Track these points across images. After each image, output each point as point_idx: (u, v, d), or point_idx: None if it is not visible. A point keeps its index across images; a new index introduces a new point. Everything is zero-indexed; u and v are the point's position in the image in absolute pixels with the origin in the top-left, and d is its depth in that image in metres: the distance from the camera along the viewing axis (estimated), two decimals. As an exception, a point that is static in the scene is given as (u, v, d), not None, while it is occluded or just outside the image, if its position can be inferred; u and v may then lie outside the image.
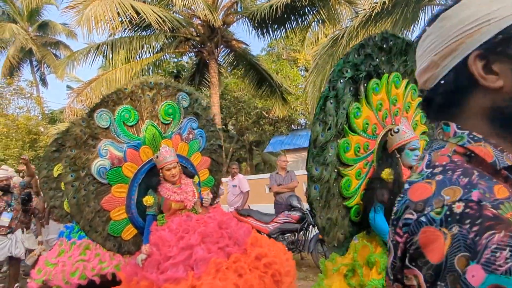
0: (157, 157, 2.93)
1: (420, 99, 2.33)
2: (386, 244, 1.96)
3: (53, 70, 19.89)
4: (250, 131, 16.80)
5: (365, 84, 2.04)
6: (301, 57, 16.76)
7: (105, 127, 2.81)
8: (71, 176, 2.73)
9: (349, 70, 1.93)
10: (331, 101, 1.89)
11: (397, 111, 2.23)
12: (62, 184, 4.35)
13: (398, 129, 2.10)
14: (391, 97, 2.17)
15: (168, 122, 3.19)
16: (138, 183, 3.03)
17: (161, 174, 2.95)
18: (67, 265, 3.76)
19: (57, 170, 4.41)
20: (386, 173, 1.97)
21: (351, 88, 1.98)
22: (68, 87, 19.74)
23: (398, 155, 2.11)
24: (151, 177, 3.02)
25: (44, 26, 21.82)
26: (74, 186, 2.73)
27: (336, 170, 1.96)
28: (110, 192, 2.89)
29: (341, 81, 1.91)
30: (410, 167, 2.14)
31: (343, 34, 6.87)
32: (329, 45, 7.50)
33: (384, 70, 2.12)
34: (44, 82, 22.93)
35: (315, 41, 11.50)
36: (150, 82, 3.09)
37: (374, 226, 1.96)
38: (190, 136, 3.40)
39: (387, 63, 2.14)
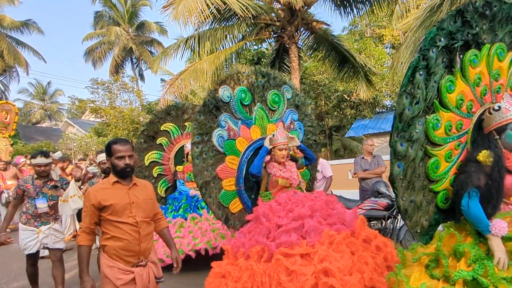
0: (273, 135, 3.13)
1: None
2: (479, 234, 1.75)
3: (149, 65, 22.28)
4: (330, 116, 16.31)
5: (461, 55, 1.81)
6: (387, 33, 15.43)
7: (226, 101, 3.17)
8: (197, 138, 3.07)
9: (443, 39, 1.73)
10: (421, 72, 1.71)
11: (499, 88, 1.92)
12: (153, 171, 4.96)
13: (500, 107, 1.80)
14: (492, 71, 1.88)
15: (274, 109, 3.48)
16: (247, 159, 3.28)
17: (271, 153, 3.14)
18: None
19: (147, 159, 4.95)
20: (483, 155, 1.74)
21: (444, 59, 1.77)
22: (162, 80, 21.94)
23: (497, 137, 1.82)
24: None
25: (141, 26, 24.51)
26: (198, 148, 3.06)
27: (422, 149, 1.79)
28: (225, 161, 3.17)
29: (433, 50, 1.72)
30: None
31: (443, 1, 6.04)
32: (425, 15, 6.70)
33: (486, 40, 1.85)
34: (142, 77, 25.92)
35: (404, 14, 10.42)
36: (263, 71, 3.41)
37: (467, 213, 1.74)
38: (291, 126, 3.64)
39: (490, 32, 1.87)
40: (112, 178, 2.13)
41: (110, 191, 2.08)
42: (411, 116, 1.73)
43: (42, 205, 3.45)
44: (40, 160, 3.46)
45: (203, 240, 4.03)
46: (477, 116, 1.89)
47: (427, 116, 1.77)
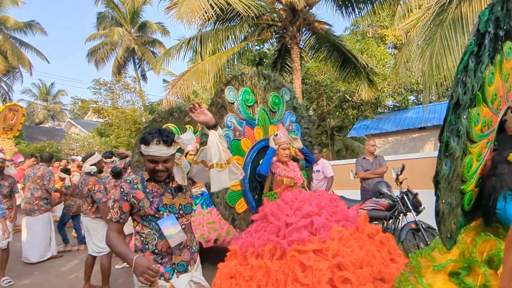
0: (276, 135, 3.19)
1: None
2: None
3: (151, 66, 22.33)
4: (331, 116, 16.30)
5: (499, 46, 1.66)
6: (389, 33, 15.41)
7: (231, 102, 3.19)
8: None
9: (491, 24, 1.55)
10: (472, 59, 1.52)
11: None
12: None
13: None
14: None
15: (275, 110, 3.52)
16: (251, 159, 3.30)
17: (275, 153, 3.20)
18: None
19: None
20: None
21: (490, 47, 1.59)
22: (164, 80, 21.99)
23: None
24: (262, 156, 3.26)
25: (143, 27, 24.56)
26: None
27: (463, 146, 1.60)
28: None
29: (487, 35, 1.53)
30: None
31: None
32: (435, 13, 6.77)
33: None
34: (144, 77, 25.96)
35: (406, 14, 10.42)
36: (264, 73, 3.44)
37: (503, 217, 1.64)
38: (290, 127, 3.70)
39: None
40: None
41: None
42: (462, 107, 1.53)
43: (172, 229, 1.77)
44: (157, 149, 1.74)
45: (197, 233, 4.05)
46: (501, 114, 1.76)
47: (469, 110, 1.58)
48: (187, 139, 1.82)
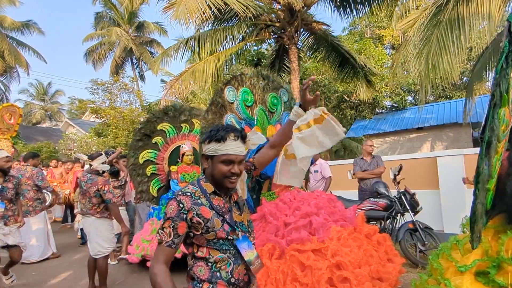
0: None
1: None
2: None
3: (149, 66, 22.29)
4: (330, 116, 16.32)
5: None
6: (387, 33, 15.46)
7: (231, 102, 3.22)
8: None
9: None
10: (505, 60, 1.51)
11: None
12: (147, 169, 4.97)
13: None
14: None
15: (273, 111, 3.53)
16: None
17: None
18: None
19: (142, 158, 4.95)
20: None
21: None
22: (162, 80, 21.94)
23: None
24: None
25: (140, 27, 24.52)
26: None
27: (494, 146, 1.59)
28: None
29: None
30: None
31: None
32: (432, 13, 6.82)
33: None
34: (142, 77, 25.92)
35: (404, 15, 10.46)
36: (263, 73, 3.46)
37: None
38: None
39: None
40: None
41: None
42: (496, 108, 1.52)
43: (249, 253, 1.44)
44: (235, 146, 1.41)
45: None
46: None
47: (498, 110, 1.56)
48: (257, 137, 1.56)
